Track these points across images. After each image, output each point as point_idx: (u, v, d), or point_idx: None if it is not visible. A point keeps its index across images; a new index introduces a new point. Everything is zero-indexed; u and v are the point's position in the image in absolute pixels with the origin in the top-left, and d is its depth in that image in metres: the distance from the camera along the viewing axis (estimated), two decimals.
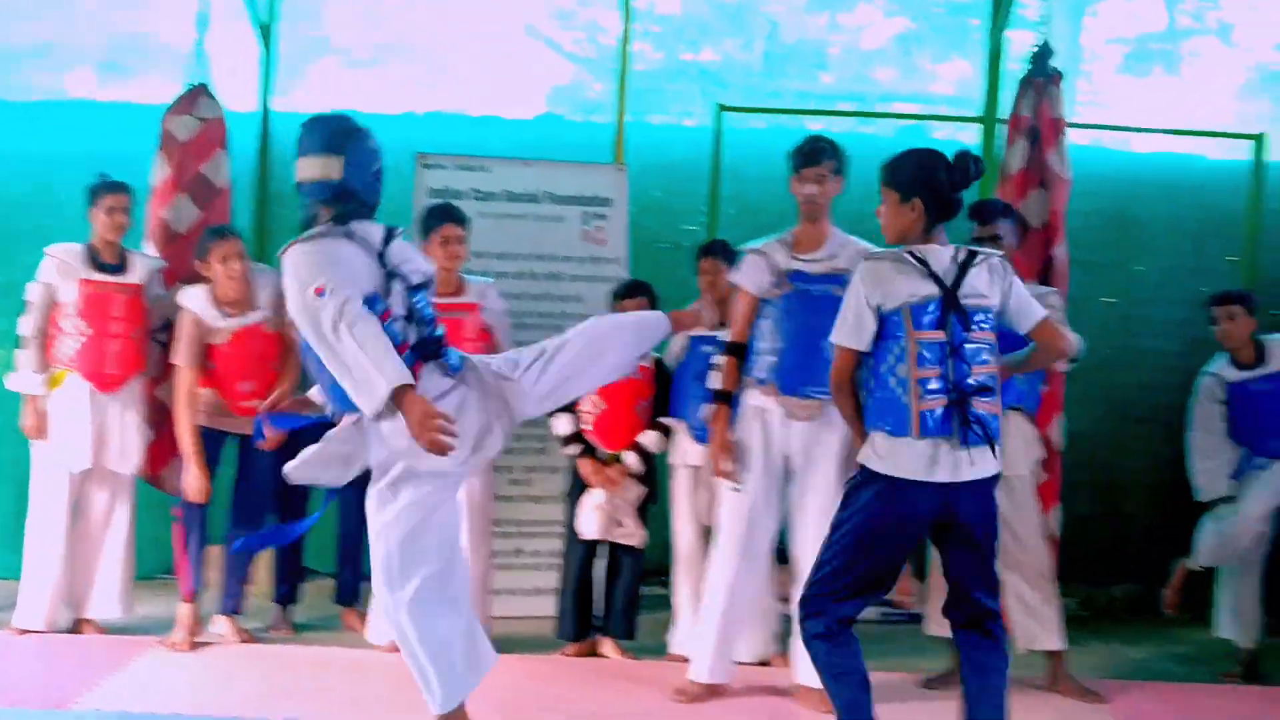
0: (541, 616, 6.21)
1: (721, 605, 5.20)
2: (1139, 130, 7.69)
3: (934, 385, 3.99)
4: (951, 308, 4.03)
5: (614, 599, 5.89)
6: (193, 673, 5.34)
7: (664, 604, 6.36)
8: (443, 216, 5.74)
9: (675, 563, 5.89)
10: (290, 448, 5.85)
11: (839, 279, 5.03)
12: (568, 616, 5.89)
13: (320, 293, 3.78)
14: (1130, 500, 7.61)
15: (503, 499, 6.45)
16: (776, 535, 5.24)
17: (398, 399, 3.75)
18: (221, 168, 6.49)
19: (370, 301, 3.88)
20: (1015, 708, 4.91)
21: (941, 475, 3.99)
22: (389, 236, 4.12)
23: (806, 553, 5.08)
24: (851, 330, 4.10)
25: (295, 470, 4.19)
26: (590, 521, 5.75)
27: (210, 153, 6.46)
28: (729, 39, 8.17)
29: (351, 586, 6.27)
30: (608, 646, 5.88)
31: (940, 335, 4.01)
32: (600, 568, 6.04)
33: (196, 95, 6.48)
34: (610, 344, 4.46)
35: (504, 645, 5.87)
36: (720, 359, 5.28)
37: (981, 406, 4.01)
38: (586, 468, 5.75)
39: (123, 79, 7.57)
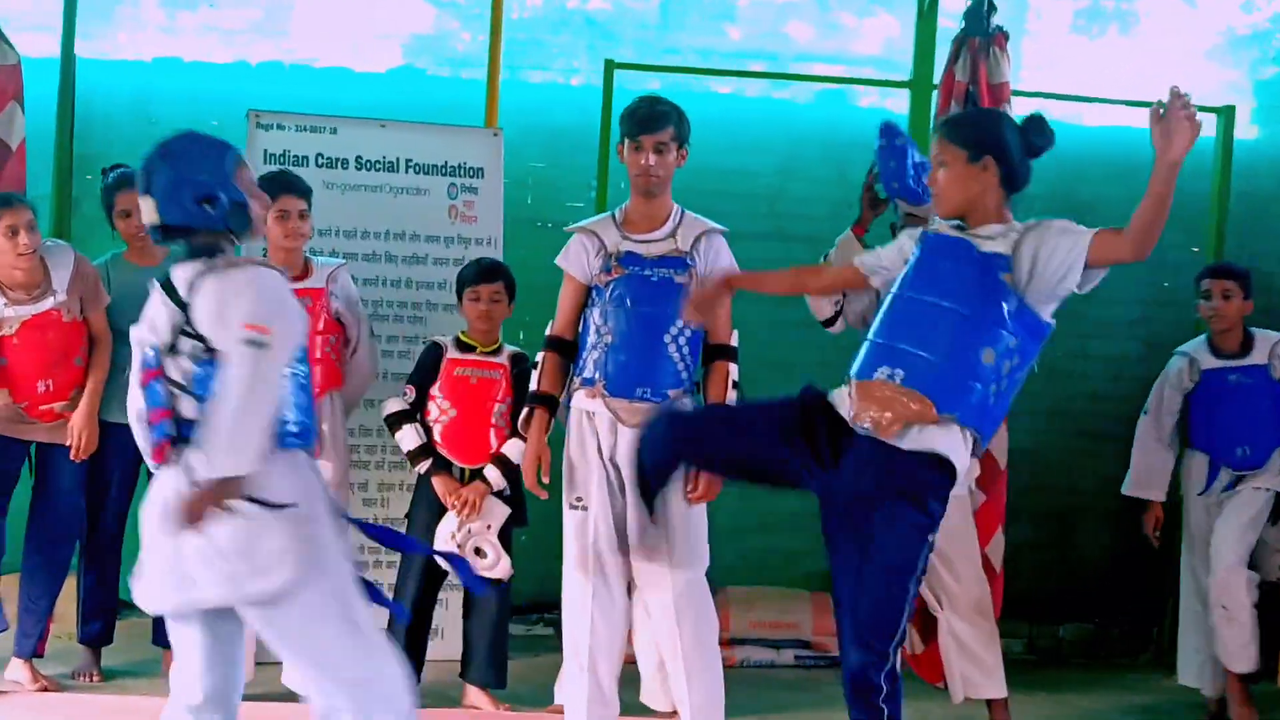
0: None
1: (585, 642, 5.17)
2: (1091, 100, 7.84)
3: None
4: None
5: (473, 641, 5.88)
6: None
7: (545, 644, 6.39)
8: (279, 187, 5.67)
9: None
10: (99, 458, 5.83)
11: (679, 262, 5.10)
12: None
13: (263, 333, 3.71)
14: (1081, 527, 7.78)
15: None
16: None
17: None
18: (15, 123, 6.40)
19: None
20: None
21: None
22: None
23: (652, 586, 5.13)
24: None
25: None
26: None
27: (2, 106, 6.37)
28: None
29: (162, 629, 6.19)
30: (476, 696, 5.87)
31: None
32: (455, 602, 6.04)
33: None
34: None
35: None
36: (540, 355, 5.29)
37: None
38: (442, 487, 5.73)
39: None
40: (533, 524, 5.90)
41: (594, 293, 5.18)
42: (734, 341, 5.23)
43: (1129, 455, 7.14)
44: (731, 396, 5.17)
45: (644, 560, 5.12)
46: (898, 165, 5.35)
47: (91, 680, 6.01)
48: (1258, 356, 6.21)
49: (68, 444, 5.73)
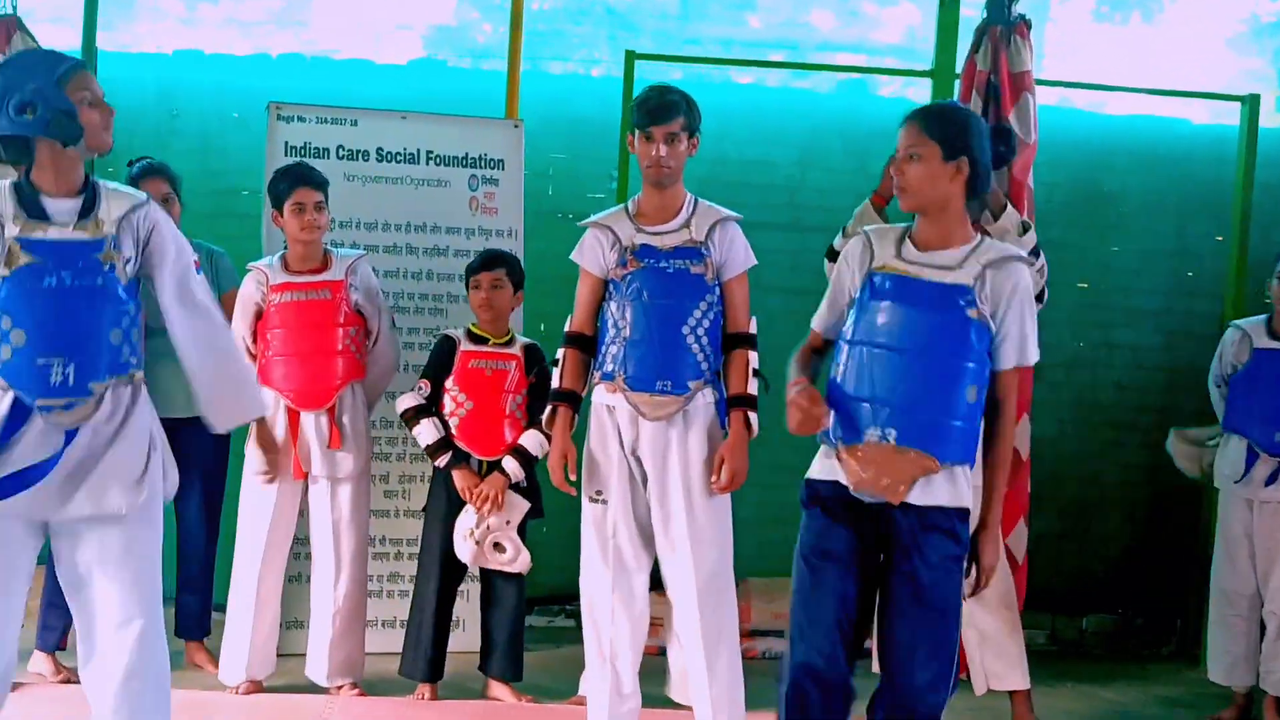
0: None
1: (606, 635, 5.17)
2: (1114, 89, 7.82)
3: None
4: None
5: (493, 634, 5.89)
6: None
7: (567, 636, 6.41)
8: (295, 180, 5.71)
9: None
10: None
11: (695, 253, 5.07)
12: (420, 651, 5.83)
13: None
14: (1104, 517, 7.76)
15: (377, 513, 6.44)
16: (651, 550, 5.26)
17: None
18: None
19: None
20: None
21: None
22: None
23: (677, 581, 5.16)
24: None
25: None
26: (465, 550, 5.72)
27: None
28: None
29: (197, 617, 6.22)
30: (498, 689, 5.89)
31: None
32: (474, 593, 6.06)
33: (8, 29, 6.41)
34: None
35: (376, 686, 5.91)
36: (560, 352, 5.27)
37: None
38: (462, 482, 5.74)
39: None
40: (554, 516, 5.91)
41: (611, 286, 5.16)
42: (753, 329, 5.22)
43: (1153, 445, 7.13)
44: (753, 385, 5.16)
45: (668, 552, 5.14)
46: None
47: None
48: None
49: None
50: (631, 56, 7.00)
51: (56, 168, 3.87)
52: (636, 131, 5.09)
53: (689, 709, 5.41)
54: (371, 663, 6.06)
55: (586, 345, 5.22)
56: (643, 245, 5.11)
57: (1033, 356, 3.98)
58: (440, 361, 5.84)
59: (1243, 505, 6.18)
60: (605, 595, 5.15)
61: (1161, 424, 7.60)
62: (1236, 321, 6.38)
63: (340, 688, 5.83)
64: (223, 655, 5.83)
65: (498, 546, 5.71)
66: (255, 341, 5.78)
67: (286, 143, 6.52)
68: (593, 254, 5.19)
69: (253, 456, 5.55)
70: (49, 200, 3.85)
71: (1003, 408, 3.99)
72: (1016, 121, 6.33)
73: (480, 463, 5.77)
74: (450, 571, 5.85)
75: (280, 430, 5.65)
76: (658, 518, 5.10)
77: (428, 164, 6.67)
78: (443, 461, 5.75)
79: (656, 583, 5.31)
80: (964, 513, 3.96)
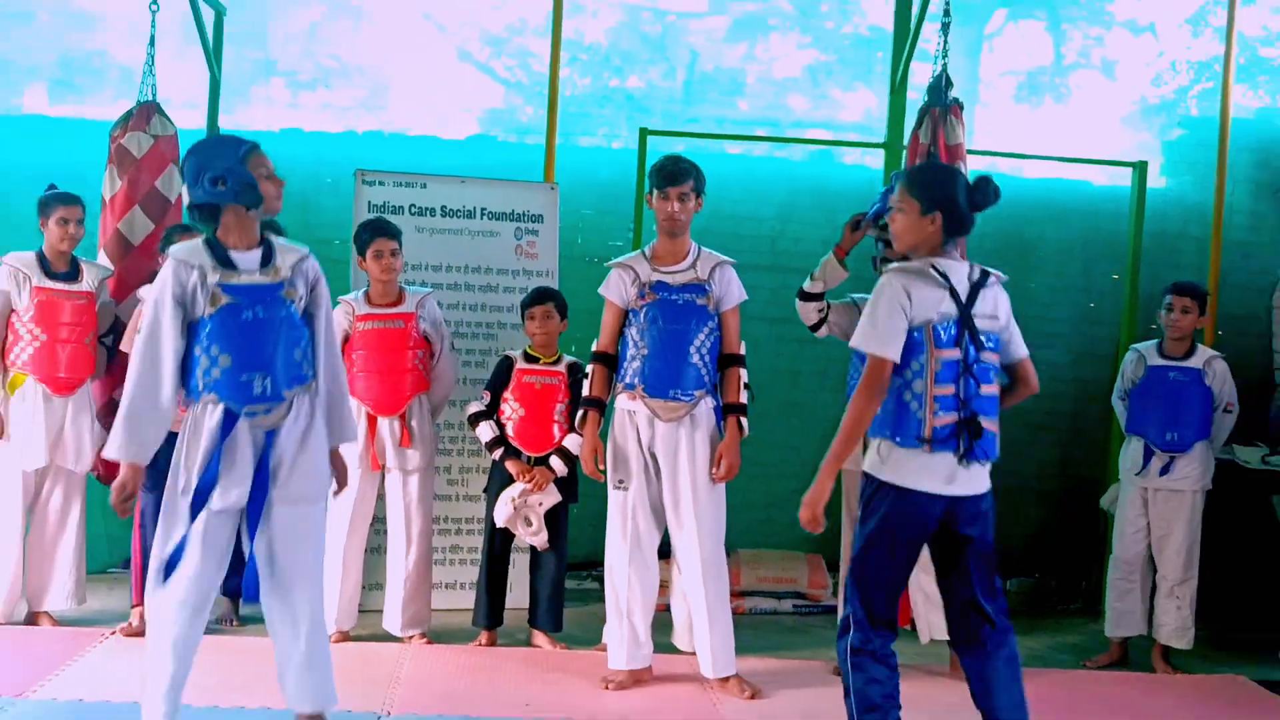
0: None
1: (624, 595, 5.22)
2: (1031, 157, 7.83)
3: (948, 402, 3.85)
4: (967, 327, 3.90)
5: (538, 593, 5.90)
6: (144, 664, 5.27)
7: (594, 596, 6.39)
8: (375, 231, 5.74)
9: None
10: None
11: (699, 288, 5.14)
12: (481, 604, 5.88)
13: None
14: (1023, 501, 7.73)
15: (441, 498, 6.45)
16: (661, 528, 5.29)
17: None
18: (174, 183, 6.41)
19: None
20: (917, 692, 5.00)
21: (947, 488, 3.88)
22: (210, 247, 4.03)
23: (685, 551, 5.17)
24: (884, 339, 3.85)
25: None
26: (503, 511, 5.74)
27: (163, 168, 6.38)
28: (652, 67, 8.21)
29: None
30: (540, 639, 5.88)
31: (956, 354, 3.87)
32: (523, 563, 6.06)
33: (149, 113, 6.41)
34: None
35: (442, 635, 5.91)
36: (590, 367, 5.32)
37: (987, 425, 3.90)
38: (515, 468, 5.74)
39: (74, 95, 7.48)
40: (584, 500, 5.91)
41: (631, 315, 5.20)
42: (743, 350, 5.25)
43: (1063, 443, 7.11)
44: (744, 395, 5.18)
45: (677, 528, 5.16)
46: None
47: (232, 625, 6.03)
48: (1196, 362, 6.11)
49: None
50: (644, 132, 7.01)
51: (240, 228, 4.00)
52: (655, 191, 5.13)
53: (690, 654, 5.41)
54: (437, 618, 6.06)
55: (611, 362, 5.26)
56: (658, 282, 5.15)
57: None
58: (500, 376, 5.86)
59: (1139, 493, 6.18)
60: (624, 564, 5.18)
61: (1070, 426, 7.62)
62: (1135, 345, 6.36)
63: (412, 637, 5.83)
64: None
65: (527, 520, 5.73)
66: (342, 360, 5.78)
67: (369, 202, 6.53)
68: (617, 288, 5.22)
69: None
70: (235, 254, 3.97)
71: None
72: None
73: (529, 458, 5.77)
74: (504, 544, 5.85)
75: (360, 432, 5.64)
76: (669, 501, 5.13)
77: (482, 219, 6.67)
78: (498, 454, 5.77)
79: (664, 553, 5.31)
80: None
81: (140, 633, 5.74)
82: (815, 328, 5.63)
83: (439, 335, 5.92)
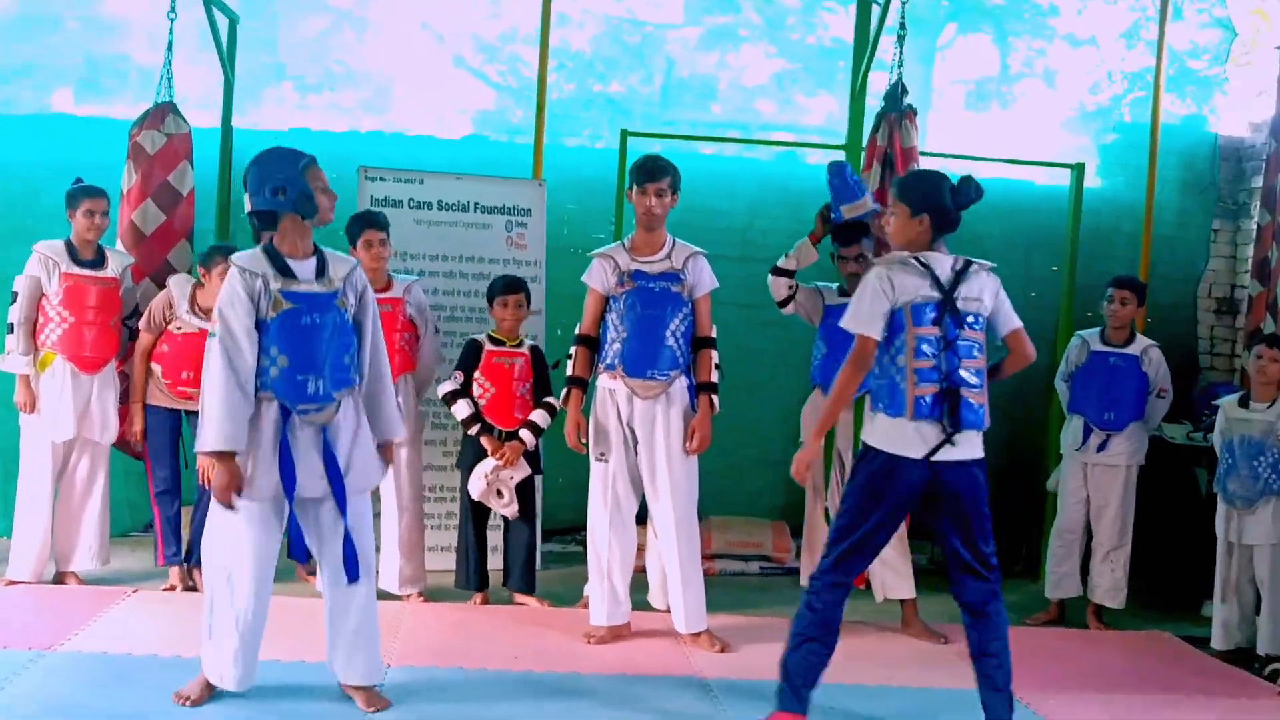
0: None
1: (604, 557, 5.24)
2: (979, 159, 7.82)
3: (928, 375, 3.97)
4: (948, 309, 4.02)
5: (512, 558, 5.89)
6: (164, 620, 5.26)
7: (577, 558, 6.41)
8: (364, 223, 5.70)
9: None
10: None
11: (675, 276, 5.16)
12: (461, 569, 5.90)
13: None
14: None
15: (437, 468, 6.45)
16: (639, 496, 5.29)
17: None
18: (186, 178, 6.41)
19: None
20: (871, 647, 5.05)
21: (928, 454, 3.99)
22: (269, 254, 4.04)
23: (661, 517, 5.19)
24: (868, 319, 4.01)
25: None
26: (476, 486, 5.74)
27: (176, 164, 6.37)
28: (632, 74, 8.20)
29: (303, 544, 6.17)
30: (525, 599, 5.89)
31: (936, 331, 3.99)
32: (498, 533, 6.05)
33: (164, 112, 6.39)
34: None
35: (436, 595, 5.92)
36: (573, 349, 5.31)
37: (969, 396, 3.99)
38: (490, 444, 5.72)
39: (98, 97, 7.44)
40: (567, 469, 5.96)
41: (611, 301, 5.21)
42: (714, 334, 5.27)
43: (1006, 420, 7.09)
44: (714, 375, 5.20)
45: (653, 497, 5.18)
46: (839, 180, 5.40)
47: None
48: (1134, 349, 6.16)
49: None
50: (625, 134, 7.00)
51: (296, 236, 4.02)
52: (635, 187, 5.14)
53: (664, 611, 5.44)
54: (435, 578, 6.07)
55: (593, 344, 5.27)
56: (636, 270, 5.16)
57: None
58: (470, 358, 5.83)
59: (1079, 468, 6.25)
60: (604, 529, 5.20)
61: (1012, 405, 7.63)
62: (1079, 332, 6.40)
63: (410, 595, 5.83)
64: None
65: (499, 493, 5.73)
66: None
67: (372, 196, 6.52)
68: (599, 277, 5.23)
69: None
70: (292, 262, 3.98)
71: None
72: None
73: (499, 432, 5.76)
74: (482, 507, 5.84)
75: None
76: (646, 471, 5.15)
77: (475, 212, 6.66)
78: (475, 430, 5.75)
79: (640, 519, 5.34)
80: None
81: (175, 587, 5.74)
82: (783, 304, 5.66)
83: (424, 320, 5.92)
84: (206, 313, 5.67)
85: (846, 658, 5.24)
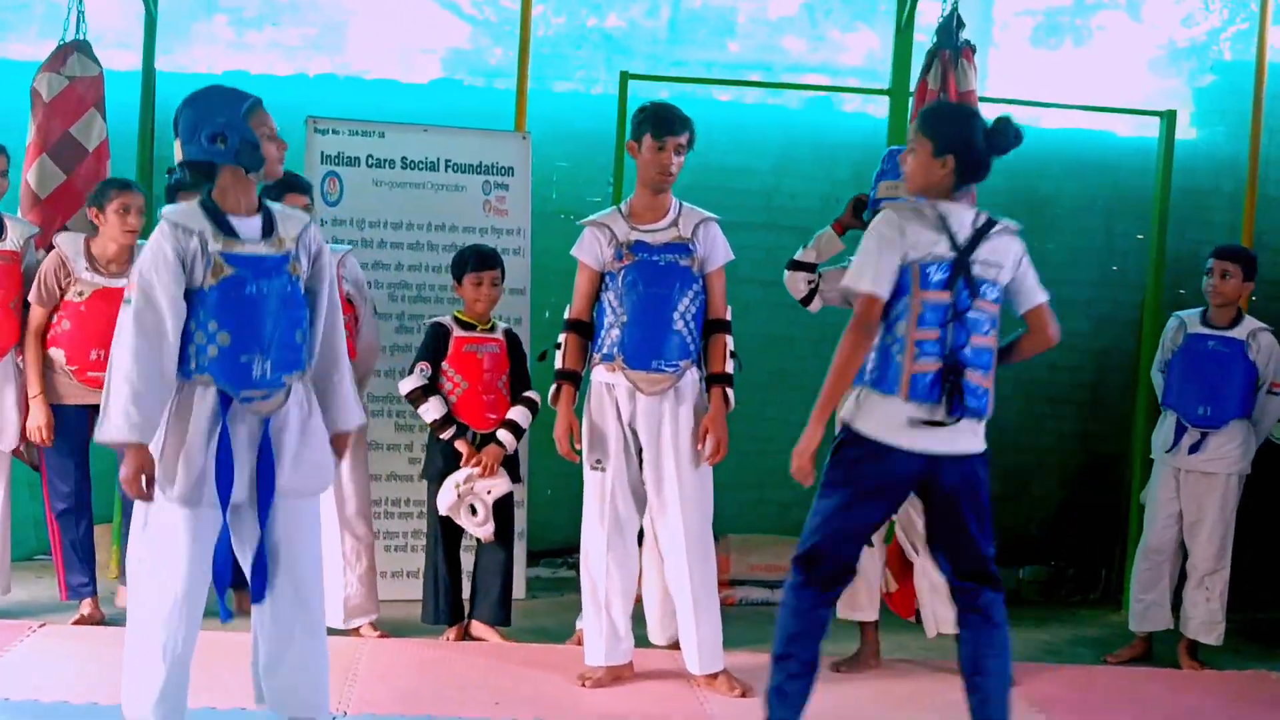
0: None
1: (602, 585, 5.21)
2: (1049, 105, 7.81)
3: (930, 348, 3.97)
4: (961, 272, 3.99)
5: (483, 586, 5.87)
6: (77, 659, 5.23)
7: (569, 586, 6.40)
8: (285, 188, 5.50)
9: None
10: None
11: (683, 247, 5.12)
12: (430, 599, 5.85)
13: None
14: (1038, 482, 7.77)
15: (402, 479, 6.45)
16: (642, 511, 5.29)
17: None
18: (93, 129, 6.37)
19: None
20: (926, 688, 5.03)
21: (924, 444, 3.99)
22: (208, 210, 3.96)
23: (668, 537, 5.17)
24: (875, 275, 3.97)
25: None
26: (445, 498, 5.71)
27: (80, 113, 6.35)
28: (634, 5, 8.17)
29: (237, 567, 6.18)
30: (480, 628, 5.87)
31: (945, 297, 3.97)
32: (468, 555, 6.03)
33: (67, 53, 6.36)
34: None
35: (400, 629, 5.92)
36: (562, 337, 5.28)
37: (974, 378, 3.99)
38: (467, 447, 5.71)
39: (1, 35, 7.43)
40: (557, 479, 5.95)
41: (607, 278, 5.18)
42: (729, 316, 5.25)
43: (1082, 417, 7.12)
44: (730, 365, 5.19)
45: (659, 512, 5.16)
46: (890, 165, 5.38)
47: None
48: (1239, 333, 6.07)
49: None
50: (625, 77, 6.98)
51: (238, 191, 3.95)
52: (649, 139, 5.08)
53: (668, 648, 5.44)
54: (396, 609, 6.07)
55: (585, 330, 5.24)
56: (637, 241, 5.13)
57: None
58: (437, 346, 5.80)
59: (1170, 474, 6.18)
60: (601, 551, 5.19)
61: (1091, 399, 7.64)
62: (1178, 312, 6.34)
63: (358, 629, 5.82)
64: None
65: (472, 509, 5.71)
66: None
67: (323, 152, 6.50)
68: (591, 250, 5.20)
69: None
70: (235, 220, 3.92)
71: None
72: None
73: (472, 434, 5.76)
74: (454, 525, 5.83)
75: None
76: (651, 481, 5.14)
77: (446, 171, 6.65)
78: (449, 434, 5.73)
79: (642, 539, 5.34)
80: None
81: (89, 621, 5.75)
82: (805, 301, 5.64)
83: (362, 297, 5.87)
84: (110, 264, 5.68)
85: (895, 703, 5.25)
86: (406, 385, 5.80)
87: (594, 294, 5.23)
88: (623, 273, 5.13)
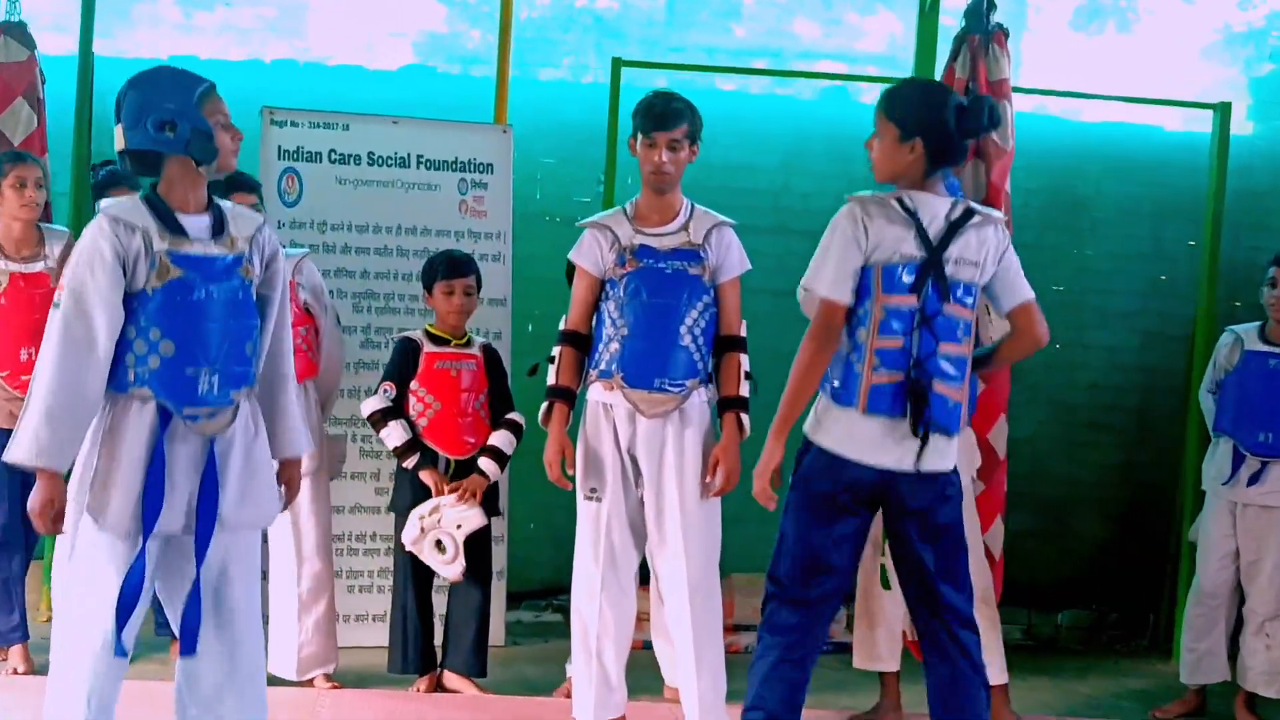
0: None
1: (593, 630, 5.16)
2: (1089, 97, 7.81)
3: (892, 358, 3.97)
4: (931, 272, 3.99)
5: (454, 632, 5.84)
6: (2, 711, 5.25)
7: (555, 631, 6.38)
8: (230, 186, 5.48)
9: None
10: None
11: (693, 254, 5.08)
12: (398, 646, 5.81)
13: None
14: (1079, 515, 7.76)
15: (367, 509, 6.43)
16: (641, 547, 5.26)
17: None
18: (20, 119, 6.39)
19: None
20: None
21: (883, 460, 4.00)
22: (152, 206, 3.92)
23: (669, 576, 5.14)
24: (834, 278, 4.00)
25: None
26: (409, 530, 5.65)
27: (5, 102, 6.38)
28: None
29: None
30: (452, 679, 5.84)
31: (912, 301, 3.97)
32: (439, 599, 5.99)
33: None
34: None
35: (364, 679, 5.89)
36: (556, 349, 5.25)
37: (943, 390, 3.98)
38: (432, 477, 5.68)
39: None
40: (540, 512, 5.93)
41: (608, 286, 5.16)
42: (744, 332, 5.23)
43: (1127, 444, 7.09)
44: (745, 387, 5.16)
45: (660, 548, 5.13)
46: None
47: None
48: None
49: None
50: (618, 64, 6.98)
51: (186, 185, 3.90)
52: (640, 136, 5.09)
53: (673, 701, 5.41)
54: (356, 656, 6.04)
55: (582, 344, 5.21)
56: (642, 246, 5.11)
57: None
58: (405, 363, 5.77)
59: (1225, 508, 6.14)
60: (594, 593, 5.15)
61: (1137, 424, 7.62)
62: (1233, 327, 6.32)
63: (313, 680, 5.78)
64: None
65: (439, 545, 5.64)
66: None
67: (280, 146, 6.49)
68: (591, 254, 5.18)
69: None
70: (182, 217, 3.87)
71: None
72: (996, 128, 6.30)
73: (448, 462, 5.74)
74: (424, 565, 5.77)
75: None
76: (651, 514, 5.11)
77: (418, 168, 6.65)
78: (411, 462, 5.70)
79: (643, 579, 5.30)
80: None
81: (18, 670, 5.72)
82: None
83: (321, 305, 5.84)
84: (19, 248, 5.73)
85: None
86: (368, 407, 5.78)
87: (593, 303, 5.21)
88: (625, 280, 5.10)
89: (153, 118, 3.83)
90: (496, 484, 5.85)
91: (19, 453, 3.68)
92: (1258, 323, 6.21)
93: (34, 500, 3.72)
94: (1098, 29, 8.49)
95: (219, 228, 3.92)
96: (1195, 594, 6.29)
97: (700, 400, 5.11)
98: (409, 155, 6.65)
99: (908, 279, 3.97)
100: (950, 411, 4.02)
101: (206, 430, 3.86)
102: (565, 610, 5.33)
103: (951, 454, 4.11)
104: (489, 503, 5.78)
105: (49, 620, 6.22)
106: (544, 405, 5.19)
